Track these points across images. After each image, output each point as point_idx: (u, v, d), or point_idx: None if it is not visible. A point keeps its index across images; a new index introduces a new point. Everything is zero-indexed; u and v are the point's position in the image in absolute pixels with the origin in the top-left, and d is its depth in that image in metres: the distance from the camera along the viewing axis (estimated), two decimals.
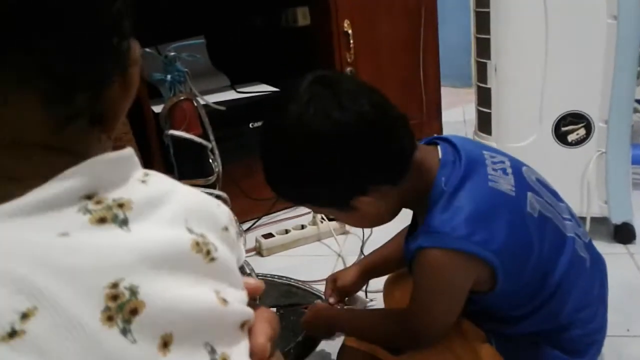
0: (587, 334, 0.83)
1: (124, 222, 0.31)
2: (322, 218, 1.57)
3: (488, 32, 1.32)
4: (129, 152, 0.33)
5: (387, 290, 1.06)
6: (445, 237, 0.71)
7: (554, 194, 0.86)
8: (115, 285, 0.29)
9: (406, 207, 0.82)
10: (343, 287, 1.02)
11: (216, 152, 1.13)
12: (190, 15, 1.73)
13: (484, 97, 1.39)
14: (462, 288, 0.75)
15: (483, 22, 1.33)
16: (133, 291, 0.30)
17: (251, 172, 1.59)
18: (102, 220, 0.30)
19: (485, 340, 0.82)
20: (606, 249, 1.36)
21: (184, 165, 1.11)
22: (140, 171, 0.34)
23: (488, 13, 1.30)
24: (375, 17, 1.80)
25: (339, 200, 0.77)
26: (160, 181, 0.35)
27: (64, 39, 0.30)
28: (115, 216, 0.31)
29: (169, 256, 0.32)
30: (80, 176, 0.30)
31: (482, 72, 1.37)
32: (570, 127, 1.31)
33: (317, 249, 1.56)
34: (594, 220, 1.37)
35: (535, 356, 0.81)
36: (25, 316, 0.26)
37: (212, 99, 1.57)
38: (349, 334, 0.95)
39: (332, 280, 1.03)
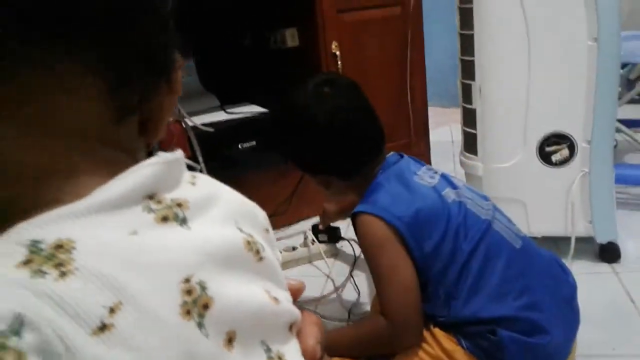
0: (535, 321, 0.89)
1: (184, 221, 0.32)
2: (313, 240, 1.58)
3: (472, 54, 1.34)
4: (180, 154, 0.34)
5: (374, 306, 1.11)
6: (367, 205, 0.95)
7: (483, 197, 1.03)
8: (187, 280, 0.30)
9: (352, 193, 1.05)
10: (327, 213, 1.39)
11: (204, 173, 1.14)
12: (179, 36, 1.74)
13: (469, 118, 1.40)
14: (393, 246, 0.91)
15: (467, 44, 1.35)
16: (203, 287, 0.30)
17: (242, 193, 1.59)
18: (165, 219, 0.31)
19: (457, 343, 0.91)
20: (592, 268, 1.38)
21: None
22: (187, 173, 0.35)
23: (472, 35, 1.33)
24: (363, 39, 1.82)
25: (313, 170, 1.05)
26: (207, 183, 0.35)
27: (127, 33, 0.31)
28: (176, 215, 0.32)
29: (227, 254, 0.33)
30: (142, 176, 0.31)
31: (467, 93, 1.39)
32: (554, 147, 1.33)
33: (307, 270, 1.56)
34: (579, 240, 1.38)
35: (498, 342, 0.88)
36: (112, 311, 0.26)
37: (201, 120, 1.58)
38: (332, 355, 0.97)
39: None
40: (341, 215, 1.48)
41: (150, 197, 0.31)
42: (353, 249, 1.56)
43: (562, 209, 1.36)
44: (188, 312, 0.29)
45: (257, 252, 0.35)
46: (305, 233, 1.61)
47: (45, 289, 0.25)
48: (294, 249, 1.59)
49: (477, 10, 1.29)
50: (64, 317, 0.25)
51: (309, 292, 1.41)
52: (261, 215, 0.39)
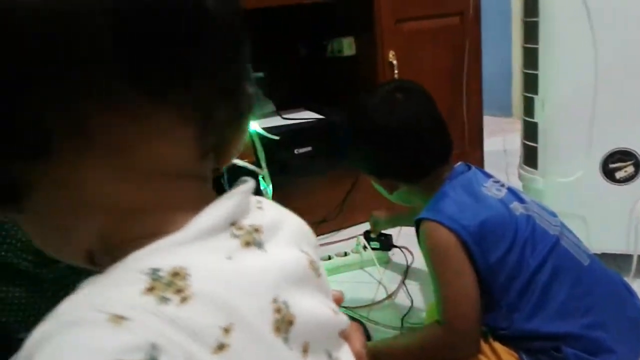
0: (600, 340, 0.88)
1: (260, 245, 0.35)
2: (365, 246, 1.59)
3: (536, 67, 1.33)
4: (253, 183, 0.37)
5: (429, 318, 1.13)
6: (433, 212, 0.95)
7: (551, 213, 1.03)
8: (275, 300, 0.33)
9: (415, 199, 1.07)
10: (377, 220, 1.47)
11: (267, 178, 1.17)
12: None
13: (530, 131, 1.39)
14: (457, 255, 0.92)
15: (531, 57, 1.34)
16: (286, 305, 0.33)
17: (295, 198, 1.62)
18: (248, 244, 0.34)
19: (518, 358, 0.91)
20: None
21: None
22: (253, 198, 0.38)
23: (536, 49, 1.32)
24: (420, 48, 1.82)
25: (379, 173, 1.06)
26: (271, 207, 0.39)
27: (215, 79, 0.34)
28: (255, 239, 0.35)
29: (297, 274, 0.36)
30: (226, 206, 0.34)
31: (529, 107, 1.38)
32: (619, 164, 1.30)
33: (358, 276, 1.57)
34: None
35: (559, 358, 0.87)
36: (226, 331, 0.29)
37: (259, 125, 1.62)
38: None
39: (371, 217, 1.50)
40: (392, 222, 1.49)
41: (233, 224, 0.34)
42: (405, 257, 1.57)
43: (625, 226, 1.33)
44: (278, 329, 0.32)
45: (317, 269, 0.39)
46: (357, 239, 1.62)
47: (171, 315, 0.28)
48: (345, 254, 1.61)
49: (543, 24, 1.28)
50: (189, 340, 0.27)
51: (362, 297, 1.42)
52: (312, 233, 0.42)
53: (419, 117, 1.01)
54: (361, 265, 1.60)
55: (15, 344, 1.01)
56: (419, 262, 1.52)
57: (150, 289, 0.28)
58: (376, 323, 1.30)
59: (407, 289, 1.44)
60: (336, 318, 0.39)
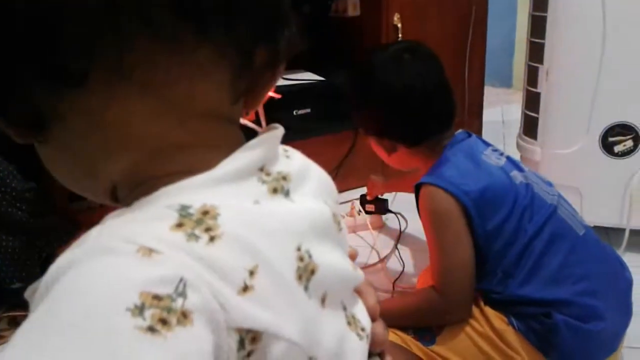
0: (591, 307, 0.90)
1: (287, 193, 0.34)
2: (359, 210, 1.59)
3: (543, 36, 1.31)
4: (282, 131, 0.37)
5: (421, 283, 1.14)
6: (435, 177, 0.95)
7: (548, 183, 1.04)
8: (299, 249, 0.33)
9: (415, 163, 1.07)
10: (374, 184, 1.46)
11: None
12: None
13: (532, 101, 1.39)
14: (456, 221, 0.92)
15: (539, 26, 1.32)
16: (309, 254, 0.33)
17: None
18: (275, 191, 0.34)
19: (507, 323, 0.92)
20: None
21: None
22: (280, 146, 0.37)
23: (545, 17, 1.30)
24: (426, 13, 1.79)
25: (380, 133, 1.04)
26: (298, 156, 0.38)
27: (253, 18, 0.33)
28: (282, 187, 0.34)
29: (321, 225, 0.36)
30: (257, 150, 0.34)
31: (532, 76, 1.37)
32: (618, 137, 1.30)
33: (352, 240, 1.58)
34: (633, 232, 1.36)
35: (552, 325, 0.88)
36: (251, 273, 0.29)
37: None
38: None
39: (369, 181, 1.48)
40: (389, 187, 1.49)
41: (261, 169, 0.34)
42: (399, 222, 1.58)
43: (619, 200, 1.34)
44: (300, 277, 0.32)
45: (339, 223, 0.39)
46: (352, 203, 1.63)
47: (200, 252, 0.28)
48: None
49: None
50: (217, 278, 0.27)
51: (354, 261, 1.43)
52: (335, 187, 0.42)
53: (426, 79, 1.00)
54: (354, 229, 1.61)
55: (8, 293, 1.01)
56: (413, 227, 1.53)
57: (179, 225, 0.28)
58: None
59: (399, 254, 1.45)
60: (354, 273, 0.39)
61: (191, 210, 0.29)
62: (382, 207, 1.59)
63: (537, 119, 1.37)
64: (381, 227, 1.63)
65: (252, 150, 0.33)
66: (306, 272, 0.33)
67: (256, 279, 0.29)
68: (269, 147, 0.35)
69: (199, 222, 0.29)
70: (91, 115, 0.31)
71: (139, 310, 0.24)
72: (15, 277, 1.29)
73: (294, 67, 1.82)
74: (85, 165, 0.34)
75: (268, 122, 1.59)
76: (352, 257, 0.43)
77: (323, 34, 1.91)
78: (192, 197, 0.30)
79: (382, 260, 1.45)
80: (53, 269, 0.27)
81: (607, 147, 1.32)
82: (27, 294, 0.29)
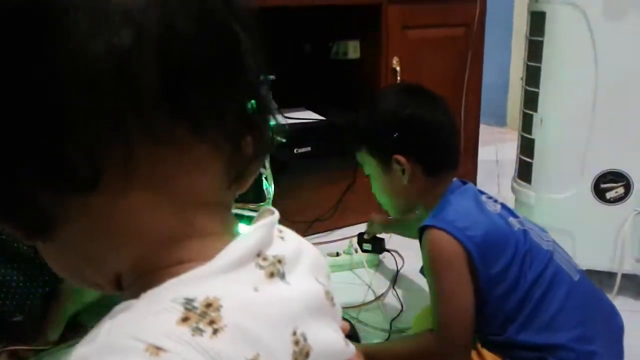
0: (587, 353, 0.91)
1: (283, 276, 0.37)
2: (356, 249, 1.61)
3: (537, 85, 1.36)
4: (277, 215, 0.39)
5: (417, 324, 1.15)
6: (440, 221, 0.96)
7: (542, 229, 1.07)
8: (295, 333, 0.35)
9: (420, 202, 1.07)
10: (374, 222, 1.47)
11: (270, 178, 1.19)
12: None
13: (526, 147, 1.43)
14: (459, 266, 0.94)
15: (533, 75, 1.37)
16: (304, 337, 0.35)
17: (292, 195, 1.64)
18: (272, 275, 0.36)
19: None
20: (635, 306, 1.38)
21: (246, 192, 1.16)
22: (276, 226, 0.40)
23: (539, 68, 1.35)
24: (424, 56, 1.84)
25: (385, 152, 1.03)
26: (292, 237, 0.41)
27: (245, 112, 0.36)
28: (278, 271, 0.36)
29: (315, 305, 0.38)
30: (253, 239, 0.36)
31: (527, 123, 1.41)
32: (610, 184, 1.34)
33: (348, 277, 1.60)
34: (625, 277, 1.39)
35: None
36: None
37: None
38: None
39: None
40: (388, 227, 1.51)
41: (258, 254, 0.36)
42: (395, 261, 1.60)
43: (611, 244, 1.37)
44: None
45: (332, 299, 0.41)
46: (350, 241, 1.65)
47: (205, 346, 0.30)
48: (337, 254, 1.63)
49: (548, 44, 1.32)
50: None
51: (351, 298, 1.45)
52: (326, 264, 0.44)
53: (451, 116, 1.06)
54: (351, 267, 1.63)
55: (9, 326, 1.02)
56: (409, 267, 1.55)
57: (185, 319, 0.30)
58: (365, 324, 1.33)
59: (396, 293, 1.47)
60: (346, 348, 0.41)
61: (195, 304, 0.31)
62: (379, 246, 1.62)
63: (531, 164, 1.41)
64: (377, 266, 1.65)
65: (249, 239, 0.36)
66: (301, 355, 0.35)
67: None
68: (265, 233, 0.37)
69: (202, 316, 0.31)
70: (99, 215, 0.33)
71: None
72: (17, 310, 1.30)
73: (294, 105, 1.86)
74: (90, 260, 0.35)
75: (270, 161, 1.62)
76: (344, 329, 0.45)
77: (323, 75, 1.96)
78: (195, 290, 0.32)
79: (378, 298, 1.46)
80: None
81: (599, 193, 1.36)
82: None
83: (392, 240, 1.67)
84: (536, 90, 1.36)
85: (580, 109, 1.32)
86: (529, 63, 1.39)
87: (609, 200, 1.36)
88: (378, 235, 1.59)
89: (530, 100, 1.39)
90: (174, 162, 0.33)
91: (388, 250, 1.62)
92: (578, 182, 1.37)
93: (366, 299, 1.47)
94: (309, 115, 1.81)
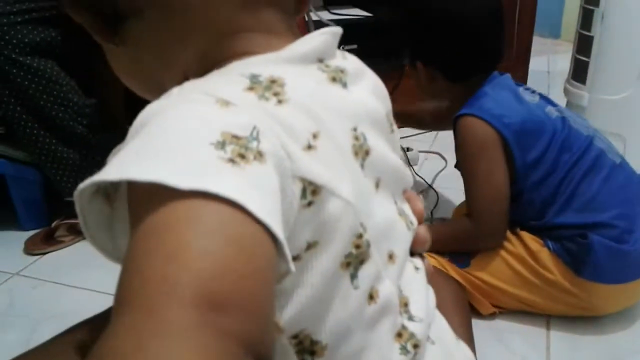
0: (626, 229, 0.92)
1: (345, 85, 0.37)
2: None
3: None
4: (339, 30, 0.39)
5: (456, 215, 1.17)
6: (475, 109, 0.96)
7: (582, 118, 1.05)
8: (355, 129, 0.36)
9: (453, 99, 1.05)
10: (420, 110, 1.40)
11: None
12: None
13: (584, 45, 1.37)
14: (494, 151, 0.94)
15: None
16: (364, 137, 0.36)
17: None
18: (334, 79, 0.37)
19: (543, 244, 0.95)
20: None
21: None
22: (337, 51, 0.40)
23: None
24: None
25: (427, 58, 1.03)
26: (355, 60, 0.41)
27: None
28: (340, 78, 0.37)
29: (376, 118, 0.39)
30: (317, 41, 0.37)
31: (587, 19, 1.35)
32: None
33: None
34: None
35: (587, 245, 0.90)
36: (314, 136, 0.32)
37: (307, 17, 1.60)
38: None
39: None
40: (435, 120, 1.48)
41: (320, 60, 0.37)
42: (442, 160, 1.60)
43: None
44: (357, 154, 0.35)
45: (392, 124, 0.41)
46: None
47: (270, 110, 0.31)
48: None
49: None
50: (286, 133, 0.30)
51: None
52: (388, 96, 0.44)
53: (485, 11, 1.00)
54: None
55: (66, 204, 1.08)
56: (451, 168, 1.55)
57: (251, 88, 0.31)
58: None
59: (435, 192, 1.49)
60: (405, 170, 0.42)
61: (261, 78, 0.32)
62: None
63: (587, 63, 1.35)
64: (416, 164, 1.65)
65: (313, 39, 0.36)
66: (362, 151, 0.36)
67: (319, 141, 0.32)
68: (329, 40, 0.37)
69: (267, 88, 0.32)
70: (168, 8, 0.34)
71: (221, 145, 0.26)
72: (73, 189, 1.37)
73: (341, 2, 1.82)
74: (161, 59, 0.37)
75: None
76: (420, 217, 0.45)
77: None
78: (261, 69, 0.33)
79: (421, 192, 1.48)
80: (139, 118, 0.29)
81: None
82: (110, 158, 0.31)
83: (436, 142, 1.67)
84: None
85: None
86: None
87: None
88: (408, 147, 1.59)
89: None
90: None
91: (429, 151, 1.62)
92: (636, 83, 1.31)
93: None
94: (357, 12, 1.76)
